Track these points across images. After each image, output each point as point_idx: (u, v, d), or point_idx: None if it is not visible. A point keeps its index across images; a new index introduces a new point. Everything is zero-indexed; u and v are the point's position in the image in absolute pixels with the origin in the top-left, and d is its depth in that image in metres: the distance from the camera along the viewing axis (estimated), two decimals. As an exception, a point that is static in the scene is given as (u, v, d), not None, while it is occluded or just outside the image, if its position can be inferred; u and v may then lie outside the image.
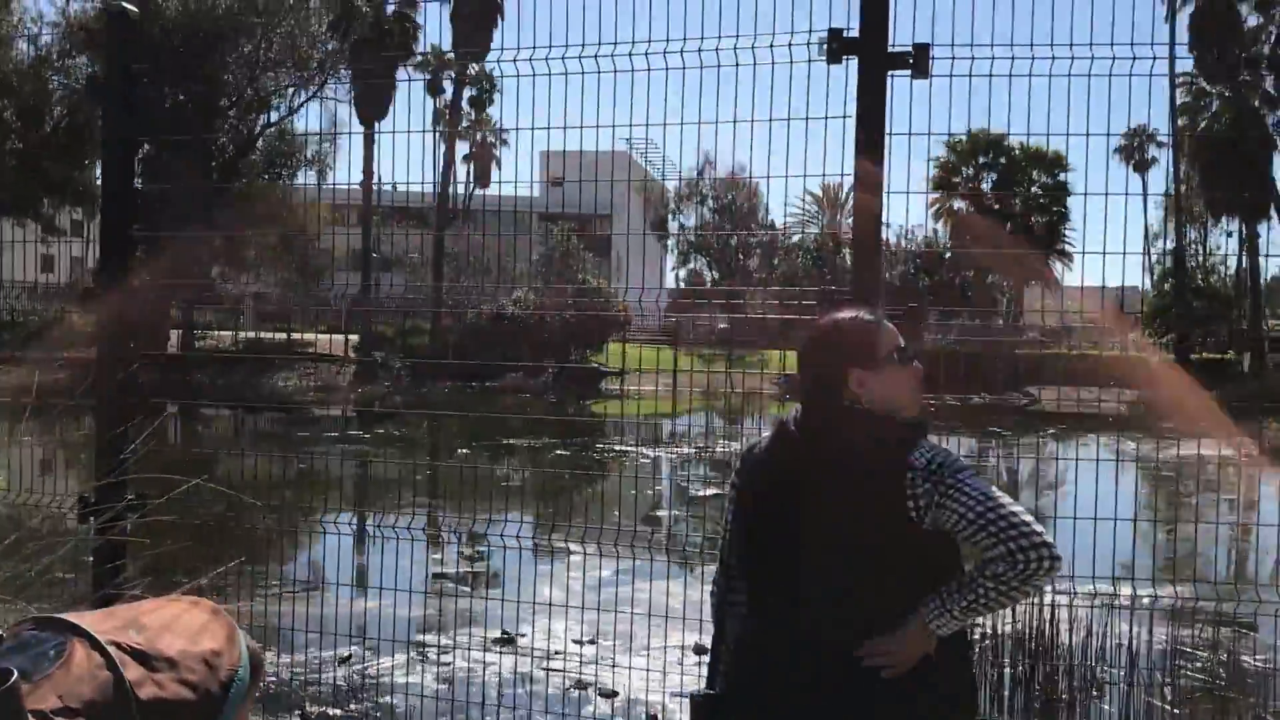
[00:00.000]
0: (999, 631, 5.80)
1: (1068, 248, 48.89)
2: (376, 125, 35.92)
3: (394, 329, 35.48)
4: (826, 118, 3.63)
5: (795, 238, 58.00)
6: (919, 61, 3.46)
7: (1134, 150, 59.05)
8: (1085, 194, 4.38)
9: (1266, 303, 52.13)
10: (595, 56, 3.96)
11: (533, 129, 4.51)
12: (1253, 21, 40.85)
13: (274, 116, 35.06)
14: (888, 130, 3.45)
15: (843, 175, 3.85)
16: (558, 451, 19.29)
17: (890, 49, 3.46)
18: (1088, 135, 4.06)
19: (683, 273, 56.44)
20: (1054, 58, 3.68)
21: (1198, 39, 39.09)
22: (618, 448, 20.36)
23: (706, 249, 53.57)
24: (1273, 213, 41.75)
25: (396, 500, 8.95)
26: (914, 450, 2.33)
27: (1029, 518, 2.19)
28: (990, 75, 3.65)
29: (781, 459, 2.50)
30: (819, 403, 2.48)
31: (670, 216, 54.11)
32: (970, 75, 3.65)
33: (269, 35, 32.76)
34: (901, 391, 2.49)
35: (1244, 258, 46.57)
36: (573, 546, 7.36)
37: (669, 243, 53.91)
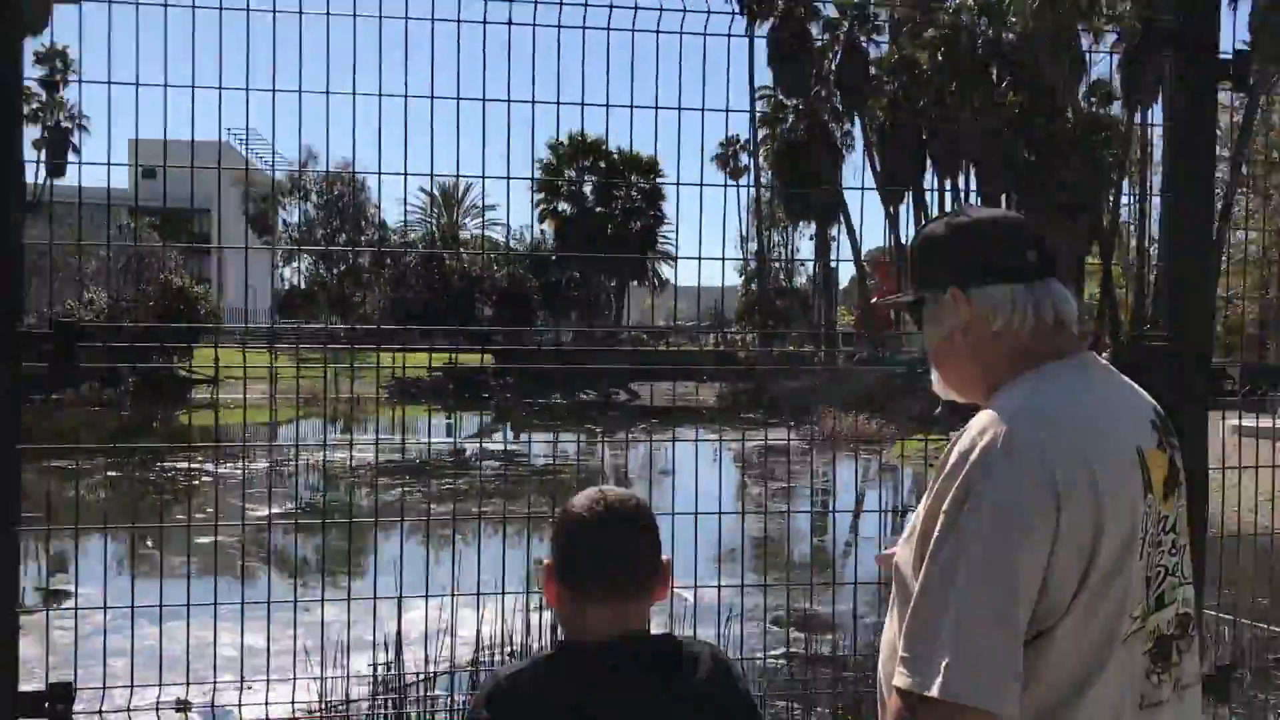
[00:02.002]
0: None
1: (669, 249, 51.46)
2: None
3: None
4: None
5: (413, 235, 56.87)
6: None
7: (728, 158, 63.12)
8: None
9: (840, 300, 57.66)
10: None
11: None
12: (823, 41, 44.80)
13: None
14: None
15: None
16: (110, 473, 17.36)
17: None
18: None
19: (288, 272, 53.90)
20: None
21: (776, 54, 42.25)
22: (183, 465, 18.68)
23: (314, 247, 51.39)
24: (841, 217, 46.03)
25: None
26: None
27: None
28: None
29: None
30: None
31: (272, 212, 51.37)
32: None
33: None
34: None
35: (819, 257, 51.11)
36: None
37: (278, 239, 51.24)
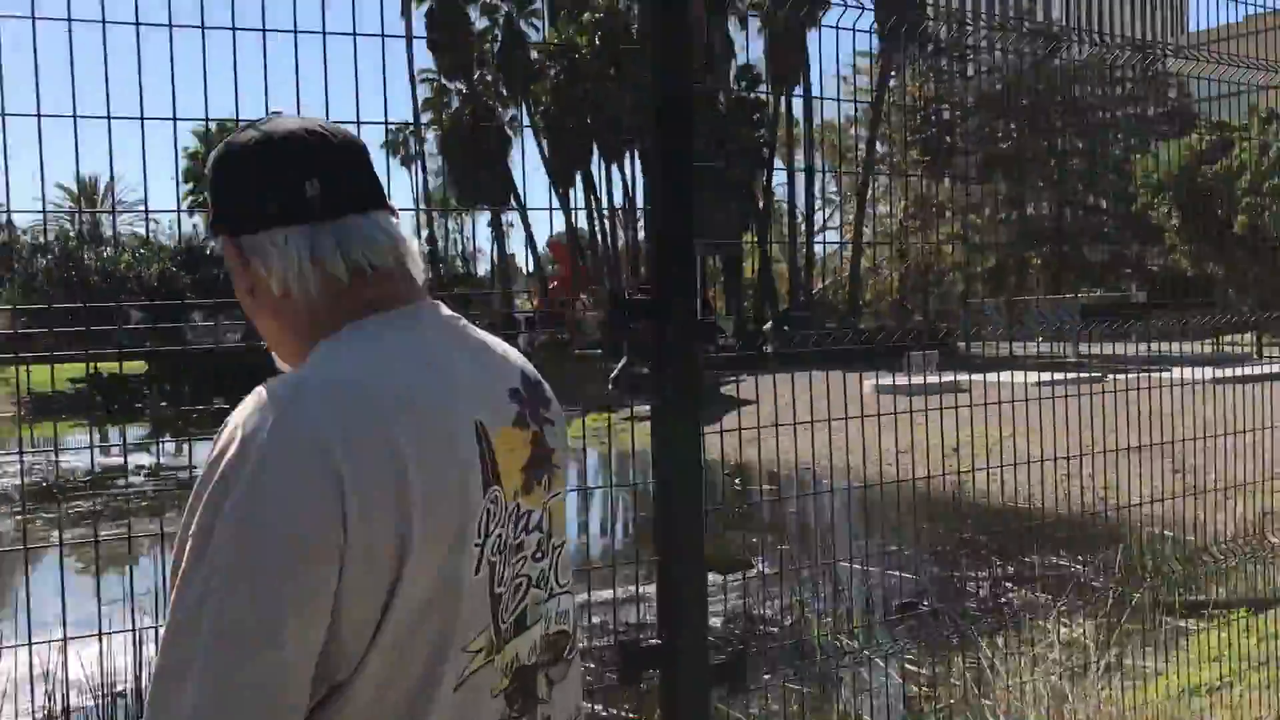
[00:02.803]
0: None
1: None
2: None
3: None
4: None
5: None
6: None
7: (399, 145, 61.78)
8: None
9: (530, 283, 57.76)
10: None
11: None
12: (483, 24, 44.49)
13: None
14: None
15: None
16: None
17: None
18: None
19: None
20: None
21: (434, 36, 41.59)
22: None
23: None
24: (514, 201, 46.05)
25: None
26: None
27: None
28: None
29: None
30: None
31: None
32: None
33: None
34: None
35: (496, 244, 51.02)
36: None
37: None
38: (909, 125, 42.56)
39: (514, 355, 1.43)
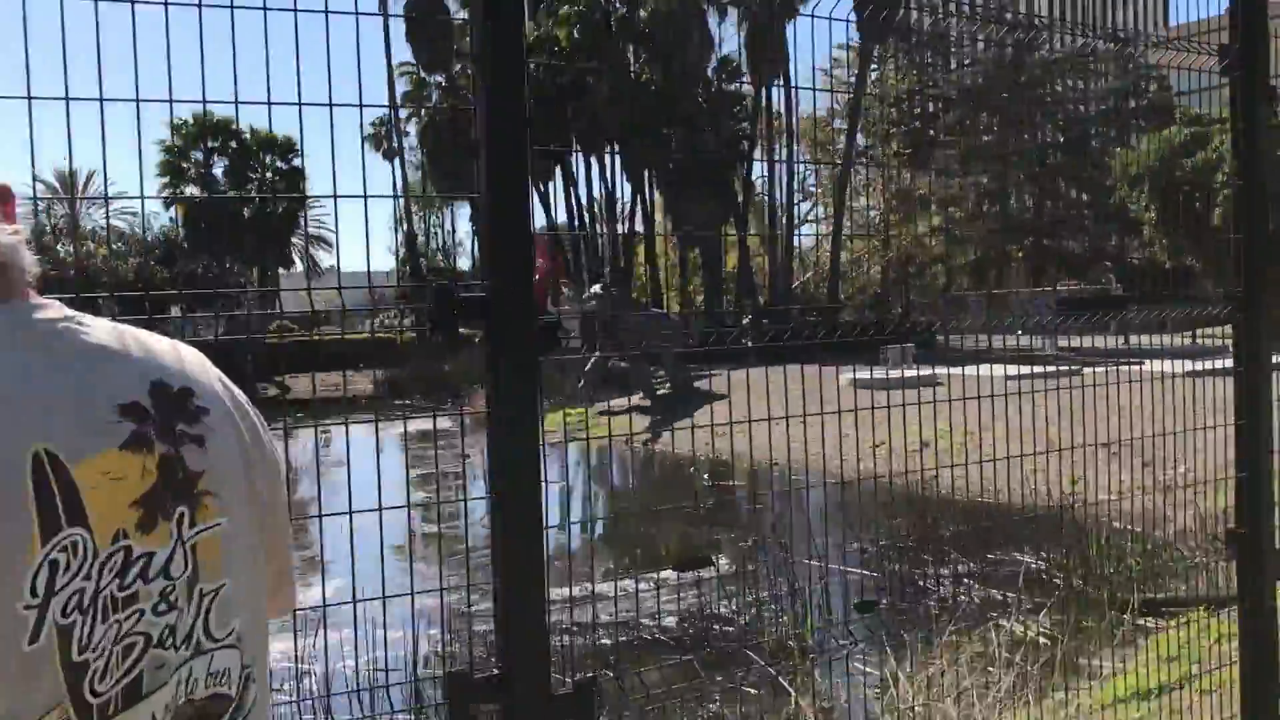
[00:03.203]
0: None
1: (324, 234, 49.48)
2: None
3: None
4: None
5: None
6: None
7: (382, 139, 61.39)
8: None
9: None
10: None
11: None
12: (462, 16, 44.25)
13: None
14: None
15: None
16: None
17: None
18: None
19: None
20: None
21: (412, 30, 41.37)
22: None
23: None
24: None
25: None
26: None
27: None
28: None
29: None
30: None
31: None
32: None
33: None
34: None
35: (476, 238, 50.84)
36: None
37: None
38: (889, 119, 42.54)
39: (158, 360, 1.16)
